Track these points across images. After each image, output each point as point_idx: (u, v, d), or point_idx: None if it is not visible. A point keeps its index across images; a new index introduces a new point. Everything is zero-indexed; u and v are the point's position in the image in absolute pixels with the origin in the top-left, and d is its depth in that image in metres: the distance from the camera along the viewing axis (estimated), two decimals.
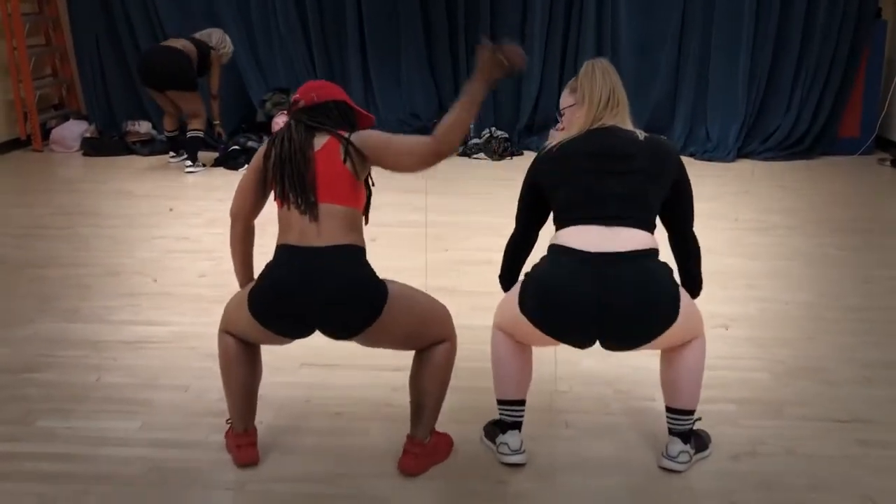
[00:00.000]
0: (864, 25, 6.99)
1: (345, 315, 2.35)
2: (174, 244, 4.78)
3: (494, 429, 2.66)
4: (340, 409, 2.92)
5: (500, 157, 7.10)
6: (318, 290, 2.30)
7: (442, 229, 4.74)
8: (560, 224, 2.46)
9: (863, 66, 7.12)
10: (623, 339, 2.40)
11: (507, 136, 7.25)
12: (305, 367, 3.23)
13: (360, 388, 3.06)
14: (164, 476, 2.52)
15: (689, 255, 2.60)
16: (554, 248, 2.43)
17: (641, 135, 2.48)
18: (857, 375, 3.17)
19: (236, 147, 6.87)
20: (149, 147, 7.31)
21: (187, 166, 6.60)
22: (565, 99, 2.61)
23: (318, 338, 3.45)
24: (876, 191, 6.18)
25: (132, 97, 7.57)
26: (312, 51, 7.32)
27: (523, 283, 2.46)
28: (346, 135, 2.39)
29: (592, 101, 2.48)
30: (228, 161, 6.80)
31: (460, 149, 7.22)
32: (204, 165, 6.72)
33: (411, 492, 2.46)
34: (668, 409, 2.57)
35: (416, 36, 7.22)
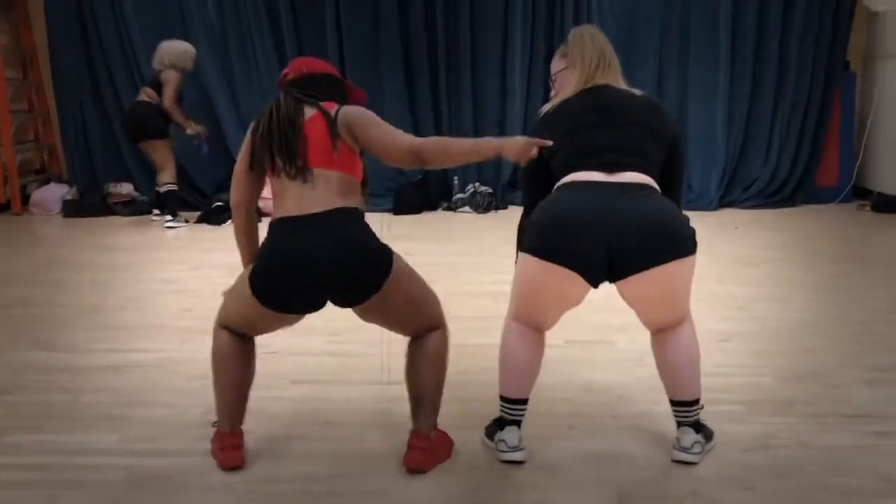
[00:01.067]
0: (833, 77, 7.19)
1: (353, 275, 2.25)
2: (158, 286, 4.66)
3: (494, 427, 2.54)
4: (332, 419, 2.79)
5: (485, 210, 7.11)
6: (321, 254, 2.22)
7: (430, 268, 4.63)
8: (564, 172, 2.38)
9: (836, 117, 7.30)
10: (639, 245, 2.20)
11: (491, 191, 7.28)
12: (295, 383, 3.11)
13: (353, 402, 2.94)
14: (144, 482, 2.37)
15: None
16: (558, 187, 2.37)
17: (637, 91, 2.46)
18: (861, 378, 3.10)
19: (219, 203, 6.82)
20: (130, 208, 7.25)
21: (167, 221, 6.52)
22: (556, 63, 2.59)
23: (307, 355, 3.36)
24: (859, 230, 6.23)
25: (115, 159, 7.54)
26: None
27: (527, 225, 2.39)
28: (336, 107, 2.36)
29: (584, 62, 2.46)
30: (212, 217, 6.74)
31: (444, 204, 7.24)
32: (186, 221, 6.65)
33: (413, 484, 2.33)
34: (674, 403, 2.47)
35: (397, 75, 7.26)
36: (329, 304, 2.35)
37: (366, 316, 2.40)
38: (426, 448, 2.39)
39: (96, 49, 7.35)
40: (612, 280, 2.31)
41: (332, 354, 3.42)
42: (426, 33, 7.24)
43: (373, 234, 2.32)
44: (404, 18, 7.21)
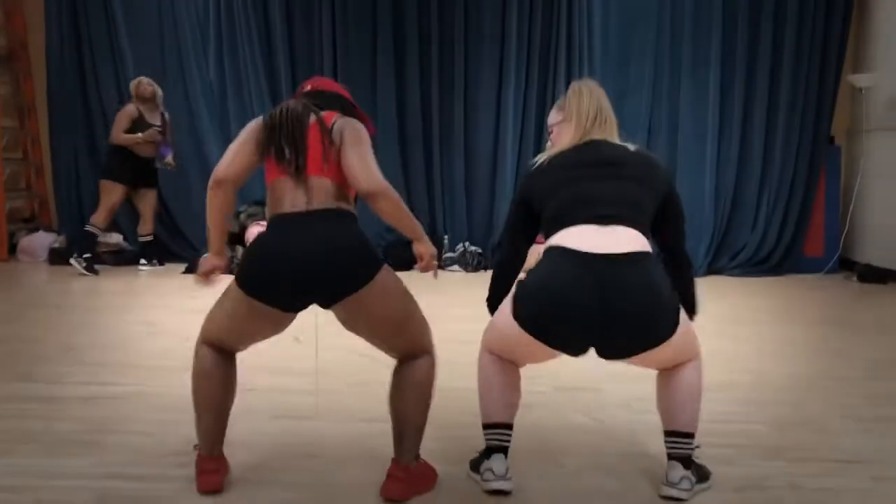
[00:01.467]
0: (819, 150, 7.35)
1: (341, 265, 2.23)
2: (139, 327, 4.59)
3: (480, 458, 2.47)
4: (315, 452, 2.71)
5: (475, 269, 7.12)
6: (312, 243, 2.22)
7: None
8: (553, 230, 2.38)
9: (822, 188, 7.42)
10: (622, 342, 2.27)
11: (480, 250, 7.30)
12: (276, 419, 3.03)
13: (335, 436, 2.86)
14: (117, 502, 2.27)
15: (683, 275, 2.51)
16: (551, 250, 2.34)
17: (632, 146, 2.48)
18: (852, 427, 3.05)
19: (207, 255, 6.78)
20: (117, 257, 7.21)
21: (79, 263, 6.51)
22: (553, 116, 2.62)
23: (287, 393, 3.29)
24: (845, 298, 6.24)
25: None
26: None
27: (517, 289, 2.36)
28: (336, 117, 2.38)
29: (580, 117, 2.48)
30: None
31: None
32: (159, 265, 6.78)
33: None
34: (667, 434, 2.42)
35: (391, 132, 7.37)
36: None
37: (349, 322, 2.34)
38: (405, 478, 2.32)
39: (95, 102, 7.44)
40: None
41: (312, 393, 3.34)
42: (420, 88, 7.39)
43: (363, 236, 2.31)
44: (400, 69, 7.35)
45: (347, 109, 2.50)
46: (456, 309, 5.19)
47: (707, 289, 6.34)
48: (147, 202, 6.90)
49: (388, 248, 7.13)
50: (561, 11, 7.22)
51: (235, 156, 2.35)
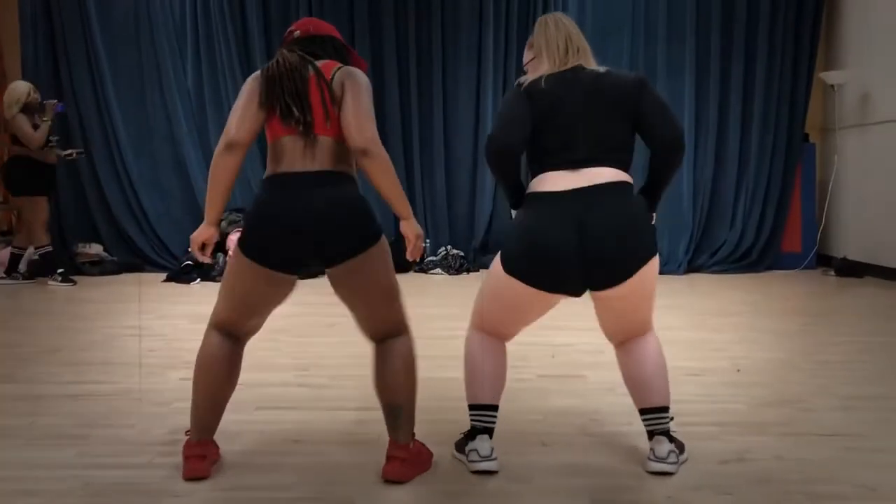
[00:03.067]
0: (794, 148, 7.46)
1: (343, 230, 2.24)
2: (123, 331, 4.56)
3: (465, 439, 2.49)
4: (300, 438, 2.71)
5: (457, 272, 7.14)
6: (315, 205, 2.22)
7: None
8: (534, 170, 2.39)
9: (798, 185, 7.53)
10: (607, 265, 2.27)
11: (462, 254, 7.32)
12: (260, 409, 3.03)
13: (319, 423, 2.87)
14: (103, 488, 2.27)
15: (668, 164, 2.41)
16: (528, 198, 2.37)
17: (602, 69, 2.41)
18: (832, 405, 3.10)
19: (189, 262, 6.78)
20: (99, 268, 7.17)
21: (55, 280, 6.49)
22: (526, 55, 2.58)
23: (273, 386, 3.29)
24: (824, 292, 6.31)
25: (86, 221, 7.49)
26: None
27: (505, 243, 2.39)
28: (335, 68, 2.32)
29: (550, 49, 2.43)
30: (181, 276, 6.68)
31: (417, 266, 7.25)
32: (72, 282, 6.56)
33: (380, 492, 2.25)
34: (644, 412, 2.44)
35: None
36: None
37: (344, 287, 2.34)
38: (407, 458, 2.32)
39: (72, 113, 7.37)
40: (591, 289, 2.35)
41: (299, 385, 3.36)
42: (399, 95, 7.44)
43: (369, 205, 2.31)
44: (378, 76, 7.38)
45: (341, 52, 2.44)
46: (438, 309, 5.23)
47: (688, 286, 6.45)
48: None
49: None
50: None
51: (243, 117, 2.29)
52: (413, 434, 2.40)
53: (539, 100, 2.35)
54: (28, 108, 6.41)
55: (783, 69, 7.37)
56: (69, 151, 6.83)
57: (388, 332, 2.39)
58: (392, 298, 2.37)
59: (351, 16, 7.33)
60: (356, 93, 2.28)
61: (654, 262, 2.33)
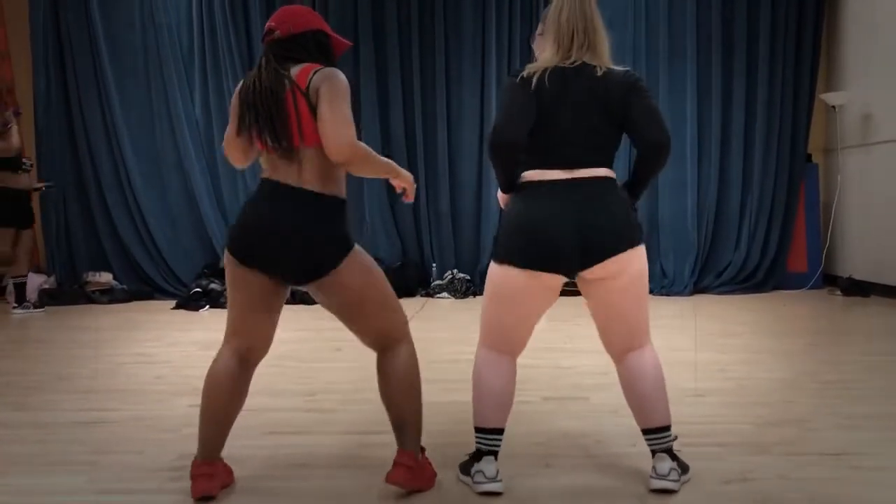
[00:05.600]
0: (797, 168, 7.50)
1: (305, 251, 2.31)
2: (132, 358, 4.60)
3: (470, 461, 2.51)
4: (307, 462, 2.74)
5: (463, 295, 7.17)
6: (280, 231, 2.29)
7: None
8: (529, 163, 2.42)
9: (802, 205, 7.56)
10: (601, 240, 2.34)
11: (468, 277, 7.36)
12: (267, 434, 3.05)
13: (327, 448, 2.89)
14: None
15: (652, 166, 2.43)
16: (526, 185, 2.41)
17: (601, 69, 2.36)
18: (837, 424, 3.11)
19: (198, 290, 6.83)
20: (108, 296, 7.23)
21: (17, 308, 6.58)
22: (540, 27, 2.53)
23: (280, 411, 3.32)
24: (830, 311, 6.31)
25: (96, 249, 7.57)
26: None
27: (497, 236, 2.44)
28: (311, 73, 2.31)
29: (559, 36, 2.38)
30: (189, 303, 6.73)
31: (422, 290, 7.28)
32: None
33: None
34: (646, 432, 2.46)
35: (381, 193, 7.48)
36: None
37: (324, 302, 2.43)
38: (413, 466, 2.36)
39: (82, 143, 7.49)
40: (583, 268, 2.38)
41: (306, 410, 3.39)
42: (404, 120, 7.53)
43: (342, 222, 2.37)
44: (383, 100, 7.49)
45: (323, 45, 2.43)
46: (444, 332, 5.26)
47: (693, 307, 6.45)
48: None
49: None
50: None
51: (230, 146, 2.49)
52: (422, 448, 2.44)
53: (542, 96, 2.34)
54: None
55: (784, 90, 7.43)
56: (39, 185, 6.94)
57: (385, 343, 2.44)
58: (380, 308, 2.41)
59: (356, 34, 7.42)
60: (332, 98, 2.27)
61: (642, 251, 2.41)
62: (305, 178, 2.34)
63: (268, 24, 2.43)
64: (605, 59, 2.40)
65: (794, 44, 7.41)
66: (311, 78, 2.31)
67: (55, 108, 7.49)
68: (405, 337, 2.46)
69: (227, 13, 7.38)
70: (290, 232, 2.30)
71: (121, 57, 7.48)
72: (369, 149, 2.35)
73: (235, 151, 2.50)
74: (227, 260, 2.39)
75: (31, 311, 6.63)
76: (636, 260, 2.40)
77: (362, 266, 2.39)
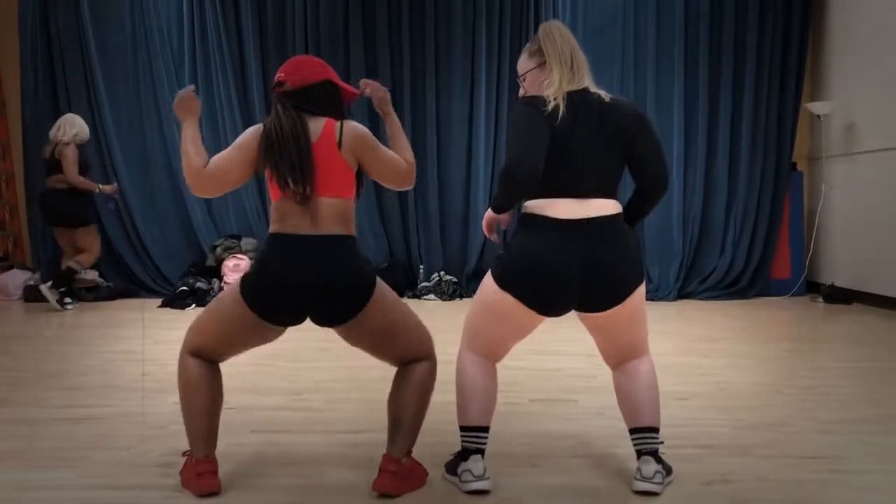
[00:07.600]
0: (782, 176, 7.59)
1: (335, 301, 2.33)
2: (118, 356, 4.61)
3: (456, 460, 2.54)
4: (293, 460, 2.76)
5: (450, 298, 7.21)
6: (312, 276, 2.29)
7: None
8: (540, 192, 2.38)
9: (786, 213, 7.65)
10: (602, 291, 2.36)
11: (455, 280, 7.40)
12: (254, 432, 3.08)
13: (313, 446, 2.92)
14: None
15: (650, 200, 2.50)
16: (529, 218, 2.41)
17: (606, 97, 2.42)
18: (818, 428, 3.16)
19: (184, 288, 6.84)
20: (94, 293, 7.21)
21: (66, 302, 6.59)
22: (524, 62, 2.51)
23: (268, 410, 3.34)
24: (812, 318, 6.39)
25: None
26: (266, 201, 7.53)
27: (503, 261, 2.44)
28: (338, 127, 2.38)
29: (560, 59, 2.39)
30: (176, 302, 6.73)
31: (409, 292, 7.32)
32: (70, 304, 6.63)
33: None
34: (634, 431, 2.51)
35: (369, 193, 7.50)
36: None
37: (349, 338, 2.45)
38: (397, 472, 2.38)
39: None
40: (583, 312, 2.46)
41: (294, 410, 3.41)
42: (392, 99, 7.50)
43: (361, 264, 2.38)
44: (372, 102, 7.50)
45: (334, 97, 2.46)
46: (432, 334, 5.27)
47: (678, 312, 6.53)
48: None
49: None
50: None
51: (221, 171, 2.38)
52: (409, 450, 2.46)
53: (557, 125, 2.33)
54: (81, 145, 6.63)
55: (770, 99, 7.52)
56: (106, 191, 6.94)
57: (407, 360, 2.49)
58: (399, 336, 2.44)
59: (346, 37, 7.43)
60: (373, 146, 2.44)
61: (642, 288, 2.45)
62: (323, 224, 2.34)
63: (277, 75, 2.45)
64: (592, 82, 2.45)
65: (781, 53, 7.50)
66: (340, 136, 2.38)
67: (43, 106, 7.46)
68: (429, 355, 2.51)
69: (217, 14, 7.39)
70: (322, 278, 2.29)
71: (110, 56, 7.47)
72: (403, 149, 2.54)
73: (218, 184, 2.40)
74: (237, 303, 2.34)
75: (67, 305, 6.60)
76: (635, 299, 2.42)
77: (384, 299, 2.40)
